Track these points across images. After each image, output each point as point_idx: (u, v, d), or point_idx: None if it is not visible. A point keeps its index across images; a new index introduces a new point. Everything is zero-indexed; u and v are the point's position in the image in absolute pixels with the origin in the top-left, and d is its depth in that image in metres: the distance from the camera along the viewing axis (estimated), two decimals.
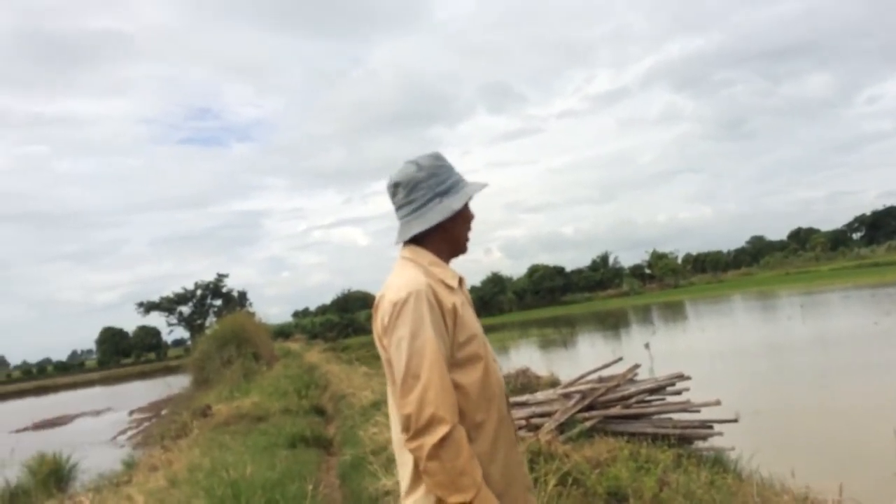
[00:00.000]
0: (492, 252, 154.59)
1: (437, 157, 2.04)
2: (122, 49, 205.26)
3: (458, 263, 2.13)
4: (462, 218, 2.04)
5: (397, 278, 1.92)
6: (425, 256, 1.99)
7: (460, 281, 2.04)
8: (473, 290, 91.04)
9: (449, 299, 1.87)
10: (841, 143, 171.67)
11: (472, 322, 1.93)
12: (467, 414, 1.83)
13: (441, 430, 1.71)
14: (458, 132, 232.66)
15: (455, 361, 1.85)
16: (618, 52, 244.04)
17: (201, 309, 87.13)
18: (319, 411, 12.70)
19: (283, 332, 64.51)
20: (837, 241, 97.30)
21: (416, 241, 2.02)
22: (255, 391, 15.04)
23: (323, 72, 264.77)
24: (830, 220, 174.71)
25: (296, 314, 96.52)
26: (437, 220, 1.96)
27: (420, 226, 1.98)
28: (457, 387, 1.83)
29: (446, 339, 1.83)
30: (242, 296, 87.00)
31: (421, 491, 1.84)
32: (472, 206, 2.13)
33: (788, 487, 5.87)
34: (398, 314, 1.82)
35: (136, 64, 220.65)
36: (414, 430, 1.74)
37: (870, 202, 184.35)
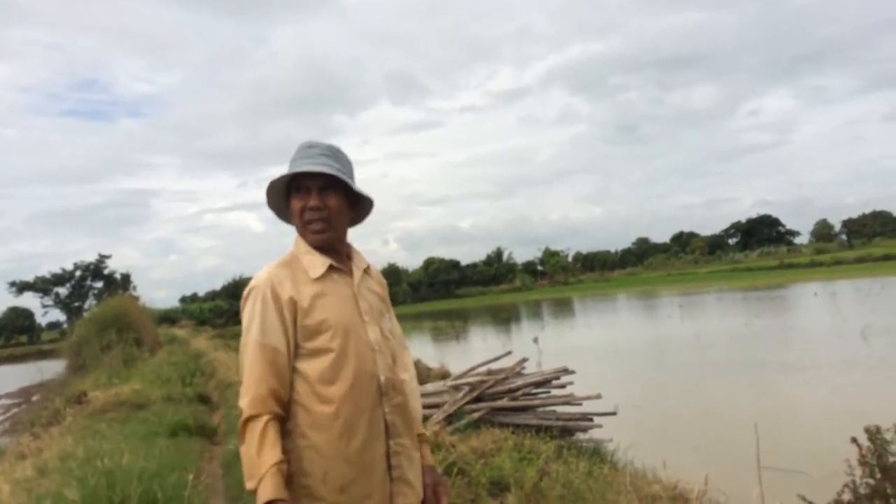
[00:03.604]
0: (389, 243, 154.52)
1: (297, 149, 2.07)
2: (3, 11, 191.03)
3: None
4: (291, 212, 2.07)
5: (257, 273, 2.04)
6: (301, 246, 2.06)
7: (338, 269, 2.04)
8: None
9: (288, 292, 1.92)
10: (722, 153, 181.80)
11: (327, 313, 1.94)
12: (311, 403, 1.89)
13: (242, 418, 1.84)
14: (360, 121, 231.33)
15: (301, 352, 1.92)
16: (521, 51, 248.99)
17: (80, 291, 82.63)
18: (204, 400, 12.35)
19: (168, 318, 62.23)
20: (715, 245, 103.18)
21: None
22: (136, 378, 14.44)
23: (223, 50, 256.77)
24: (709, 225, 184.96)
25: (183, 299, 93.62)
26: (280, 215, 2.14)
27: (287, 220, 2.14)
28: (303, 376, 1.90)
29: (281, 331, 1.90)
30: (126, 278, 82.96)
31: None
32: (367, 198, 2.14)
33: (659, 478, 6.21)
34: (242, 308, 1.96)
35: (17, 28, 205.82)
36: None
37: (745, 210, 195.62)
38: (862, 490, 3.90)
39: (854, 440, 3.94)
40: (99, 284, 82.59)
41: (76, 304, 79.97)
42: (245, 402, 1.84)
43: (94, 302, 67.01)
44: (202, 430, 9.13)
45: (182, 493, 4.75)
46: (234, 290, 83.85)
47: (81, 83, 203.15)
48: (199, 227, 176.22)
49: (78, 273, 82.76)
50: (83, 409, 11.26)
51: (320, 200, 1.99)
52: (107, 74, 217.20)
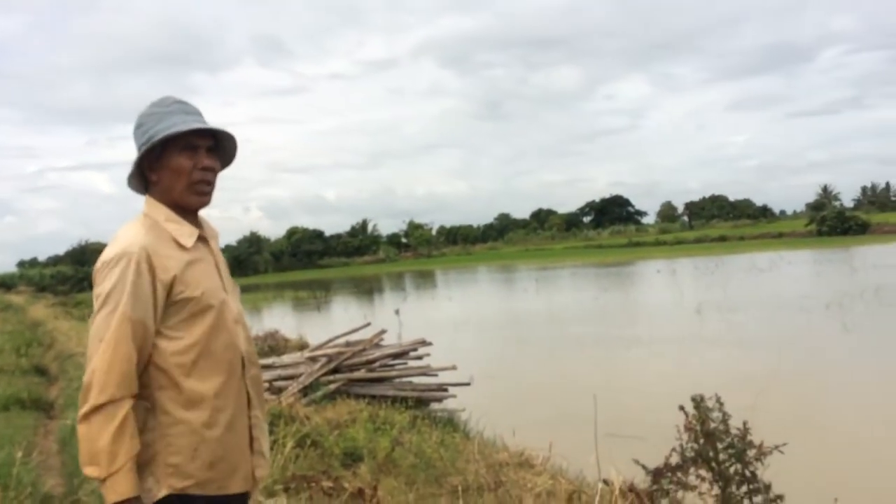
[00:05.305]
0: (251, 211, 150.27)
1: (153, 105, 1.91)
2: None
3: (214, 220, 2.03)
4: (169, 170, 1.87)
5: (119, 235, 1.82)
6: (161, 211, 1.88)
7: (203, 238, 1.95)
8: (228, 249, 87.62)
9: (165, 262, 1.78)
10: (581, 134, 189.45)
11: (203, 286, 1.84)
12: (183, 379, 1.78)
13: (94, 399, 1.65)
14: (222, 81, 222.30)
15: (176, 327, 1.80)
16: (392, 19, 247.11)
17: None
18: (41, 371, 11.60)
19: (4, 284, 57.88)
20: (571, 222, 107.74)
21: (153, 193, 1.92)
22: None
23: None
24: (567, 203, 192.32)
25: (21, 264, 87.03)
26: (130, 172, 1.90)
27: (128, 179, 1.92)
28: (176, 352, 1.78)
29: (152, 305, 1.75)
30: None
31: None
32: (235, 163, 2.03)
33: (507, 445, 6.46)
34: (105, 274, 1.75)
35: None
36: (83, 391, 1.68)
37: (600, 190, 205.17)
38: (688, 454, 4.23)
39: (681, 408, 4.26)
40: None
41: None
42: (108, 382, 1.64)
43: None
44: (37, 404, 8.59)
45: (10, 470, 4.44)
46: (81, 256, 78.72)
47: None
48: (40, 187, 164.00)
49: None
50: None
51: (211, 161, 1.91)
52: None
